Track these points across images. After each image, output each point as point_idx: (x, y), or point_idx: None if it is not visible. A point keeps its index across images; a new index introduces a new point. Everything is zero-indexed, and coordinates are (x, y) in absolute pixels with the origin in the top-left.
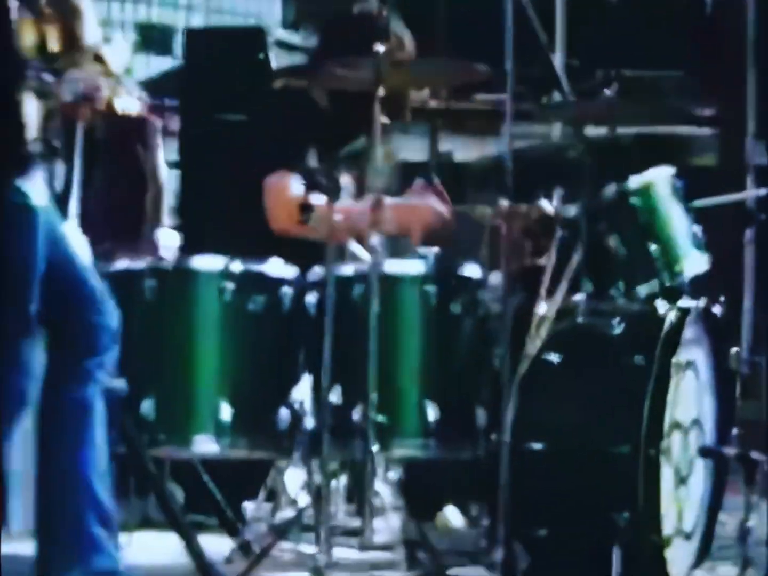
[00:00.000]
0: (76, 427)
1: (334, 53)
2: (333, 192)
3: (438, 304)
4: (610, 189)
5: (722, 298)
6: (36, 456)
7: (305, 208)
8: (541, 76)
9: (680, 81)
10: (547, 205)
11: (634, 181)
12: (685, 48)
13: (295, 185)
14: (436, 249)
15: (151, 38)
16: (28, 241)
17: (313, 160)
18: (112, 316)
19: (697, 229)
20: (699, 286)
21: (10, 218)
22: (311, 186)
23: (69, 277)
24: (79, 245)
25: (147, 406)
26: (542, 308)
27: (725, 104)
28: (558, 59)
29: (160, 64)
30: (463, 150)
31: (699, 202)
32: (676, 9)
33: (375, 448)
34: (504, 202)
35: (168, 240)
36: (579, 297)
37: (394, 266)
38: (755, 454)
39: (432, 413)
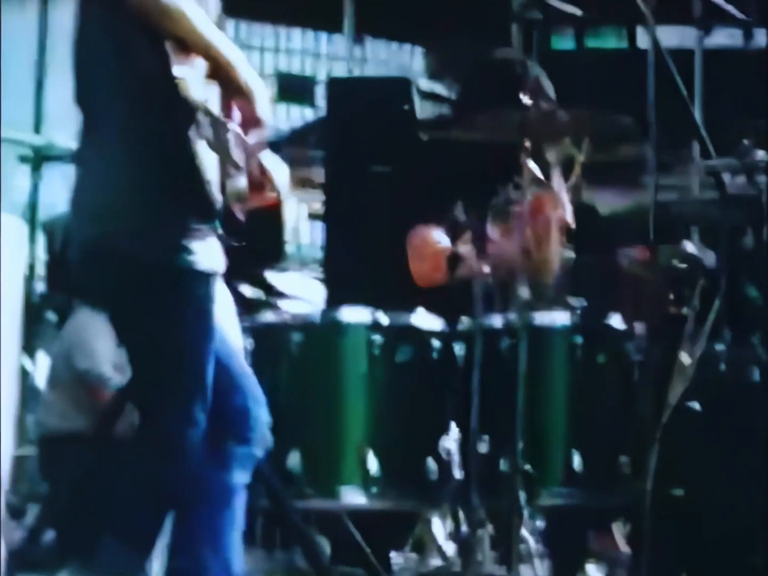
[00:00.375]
0: (212, 513)
1: (477, 103)
2: (479, 243)
3: (584, 355)
4: (749, 238)
5: None
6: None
7: (452, 260)
8: (681, 128)
9: None
10: (691, 247)
11: None
12: None
13: (440, 237)
14: (582, 300)
15: (292, 88)
16: (195, 308)
17: (460, 212)
18: (260, 404)
19: None
20: None
21: (176, 283)
22: (456, 237)
23: (222, 355)
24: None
25: (294, 459)
26: (684, 357)
27: None
28: (697, 112)
29: (301, 115)
30: (604, 201)
31: None
32: None
33: (522, 496)
34: (644, 251)
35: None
36: (720, 345)
37: (541, 317)
38: None
39: (577, 462)
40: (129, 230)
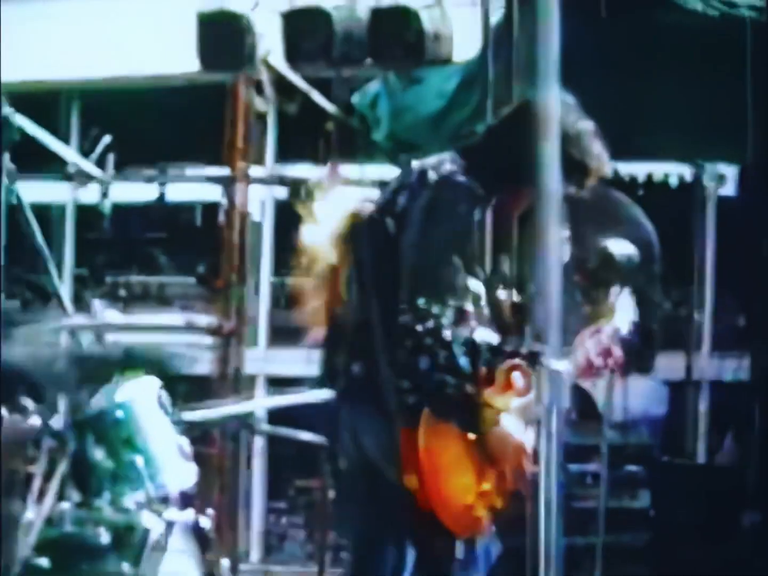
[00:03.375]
0: None
1: None
2: None
3: None
4: (97, 400)
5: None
6: None
7: None
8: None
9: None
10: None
11: (119, 393)
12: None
13: None
14: None
15: None
16: None
17: None
18: None
19: (185, 441)
20: (190, 497)
21: None
22: None
23: None
24: None
25: None
26: (31, 514)
27: None
28: (67, 268)
29: None
30: None
31: (190, 415)
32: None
33: None
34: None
35: None
36: (66, 505)
37: None
38: None
39: None
40: None
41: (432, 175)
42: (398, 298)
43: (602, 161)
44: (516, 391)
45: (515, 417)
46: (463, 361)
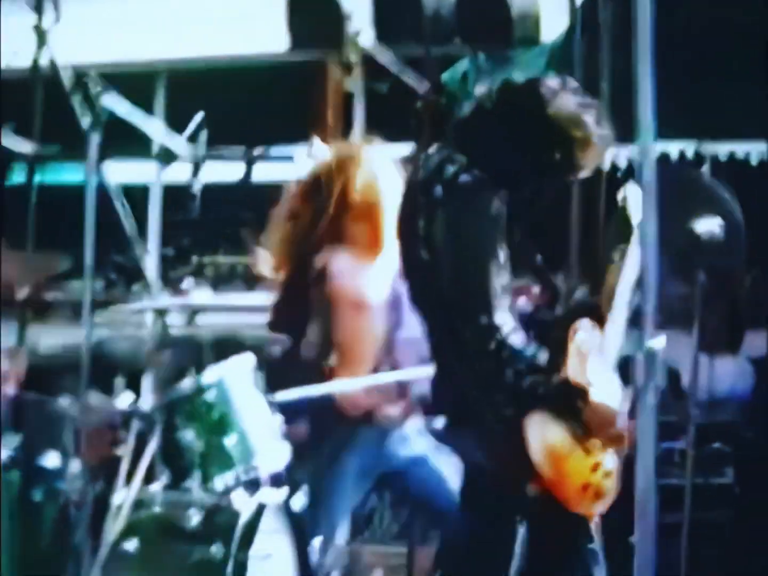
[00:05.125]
0: None
1: None
2: None
3: (19, 492)
4: (187, 382)
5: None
6: None
7: None
8: (132, 264)
9: None
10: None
11: (209, 374)
12: None
13: None
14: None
15: None
16: None
17: None
18: None
19: (278, 420)
20: (281, 477)
21: None
22: None
23: None
24: None
25: None
26: (120, 497)
27: None
28: (152, 248)
29: None
30: (49, 339)
31: (283, 395)
32: None
33: None
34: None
35: None
36: (155, 487)
37: None
38: None
39: None
40: None
41: (437, 190)
42: (459, 320)
43: (600, 148)
44: (587, 352)
45: (596, 376)
46: (542, 356)
